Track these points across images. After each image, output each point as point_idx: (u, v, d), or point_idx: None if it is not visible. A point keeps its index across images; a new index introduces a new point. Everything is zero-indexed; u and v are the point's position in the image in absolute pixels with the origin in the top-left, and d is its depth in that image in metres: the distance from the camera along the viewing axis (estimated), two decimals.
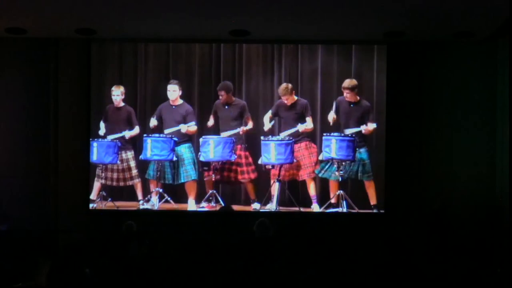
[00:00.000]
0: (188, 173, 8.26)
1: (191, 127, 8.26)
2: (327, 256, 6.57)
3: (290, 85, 8.17)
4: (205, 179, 8.27)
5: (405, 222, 7.87)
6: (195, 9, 6.91)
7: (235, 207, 8.11)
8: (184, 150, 8.28)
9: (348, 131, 8.09)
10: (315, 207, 8.19)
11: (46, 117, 8.25)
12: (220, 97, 8.25)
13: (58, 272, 4.77)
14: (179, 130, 8.24)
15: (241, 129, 8.22)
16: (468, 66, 8.11)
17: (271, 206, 8.16)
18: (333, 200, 8.11)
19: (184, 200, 8.31)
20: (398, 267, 6.63)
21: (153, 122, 8.27)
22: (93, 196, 8.26)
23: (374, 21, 7.26)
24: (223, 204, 8.14)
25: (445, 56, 8.14)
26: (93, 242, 6.88)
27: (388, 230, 7.88)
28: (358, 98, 8.12)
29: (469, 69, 8.11)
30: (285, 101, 8.16)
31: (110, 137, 8.30)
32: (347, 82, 8.07)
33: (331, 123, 8.15)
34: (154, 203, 8.28)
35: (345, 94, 8.09)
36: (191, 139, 8.36)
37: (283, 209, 8.19)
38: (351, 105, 8.12)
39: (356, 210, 8.06)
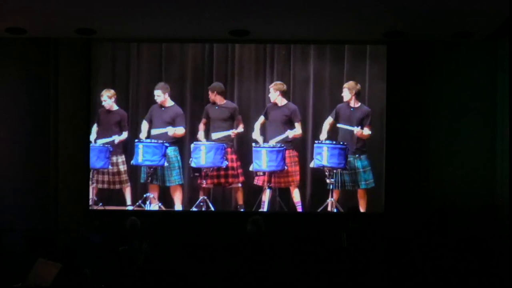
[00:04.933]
0: (173, 178, 8.17)
1: (178, 130, 8.18)
2: (327, 256, 6.58)
3: (284, 86, 8.12)
4: (202, 185, 8.14)
5: (405, 222, 7.86)
6: (195, 9, 6.91)
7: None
8: (171, 154, 8.17)
9: (339, 125, 8.04)
10: None
11: (46, 117, 8.24)
12: (209, 97, 8.19)
13: (64, 274, 4.78)
14: (166, 133, 8.15)
15: (232, 131, 8.15)
16: (468, 66, 8.11)
17: None
18: (329, 208, 8.04)
19: (173, 205, 8.23)
20: (398, 267, 6.64)
21: (144, 124, 8.21)
22: (90, 201, 8.20)
23: (374, 21, 7.26)
24: (213, 210, 8.12)
25: (445, 56, 8.14)
26: (93, 242, 6.90)
27: (388, 230, 7.87)
28: (359, 103, 8.09)
29: (469, 69, 8.10)
30: (273, 99, 8.06)
31: (100, 141, 8.21)
32: (348, 83, 8.06)
33: (328, 129, 8.06)
34: (153, 207, 8.18)
35: (343, 93, 8.05)
36: (179, 142, 8.23)
37: None
38: (351, 109, 8.10)
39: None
